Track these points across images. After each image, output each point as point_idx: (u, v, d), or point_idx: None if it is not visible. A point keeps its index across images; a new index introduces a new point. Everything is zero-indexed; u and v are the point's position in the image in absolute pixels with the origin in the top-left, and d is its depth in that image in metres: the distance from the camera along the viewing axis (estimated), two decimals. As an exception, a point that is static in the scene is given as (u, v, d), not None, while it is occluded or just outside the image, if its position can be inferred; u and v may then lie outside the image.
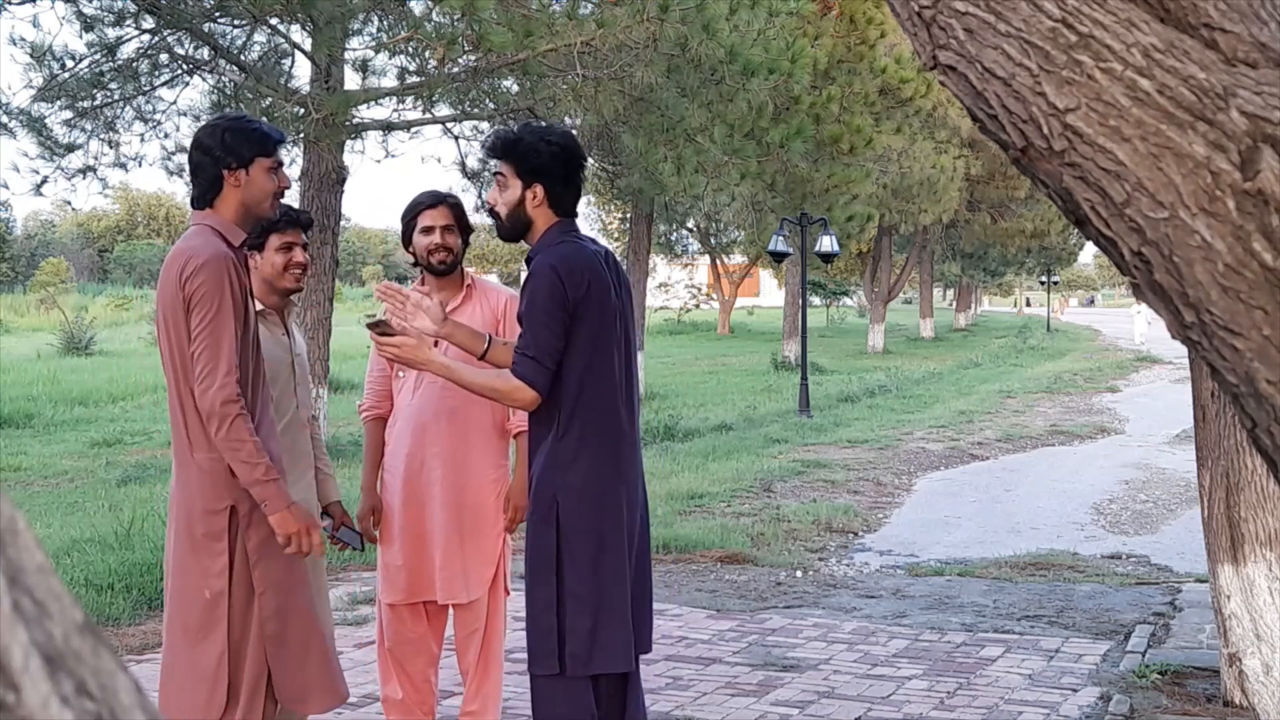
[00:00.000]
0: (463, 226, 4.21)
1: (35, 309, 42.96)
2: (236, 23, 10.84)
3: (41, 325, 35.24)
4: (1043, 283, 54.12)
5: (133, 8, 10.51)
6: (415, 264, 4.26)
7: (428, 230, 4.15)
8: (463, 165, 14.04)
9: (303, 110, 10.13)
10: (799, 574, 7.38)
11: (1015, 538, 8.64)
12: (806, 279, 19.45)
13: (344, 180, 11.07)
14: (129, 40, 10.94)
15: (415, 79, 10.73)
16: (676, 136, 12.07)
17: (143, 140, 11.82)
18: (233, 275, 3.19)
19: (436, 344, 3.72)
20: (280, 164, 3.38)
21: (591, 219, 45.32)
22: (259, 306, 3.84)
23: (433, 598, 4.17)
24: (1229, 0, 1.52)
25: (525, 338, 3.32)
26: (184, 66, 11.23)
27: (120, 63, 10.98)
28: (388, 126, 11.47)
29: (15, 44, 10.92)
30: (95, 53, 10.89)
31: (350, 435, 12.56)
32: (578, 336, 3.33)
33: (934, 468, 12.15)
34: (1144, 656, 5.46)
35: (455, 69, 10.63)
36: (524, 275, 3.47)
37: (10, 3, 10.62)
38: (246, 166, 3.28)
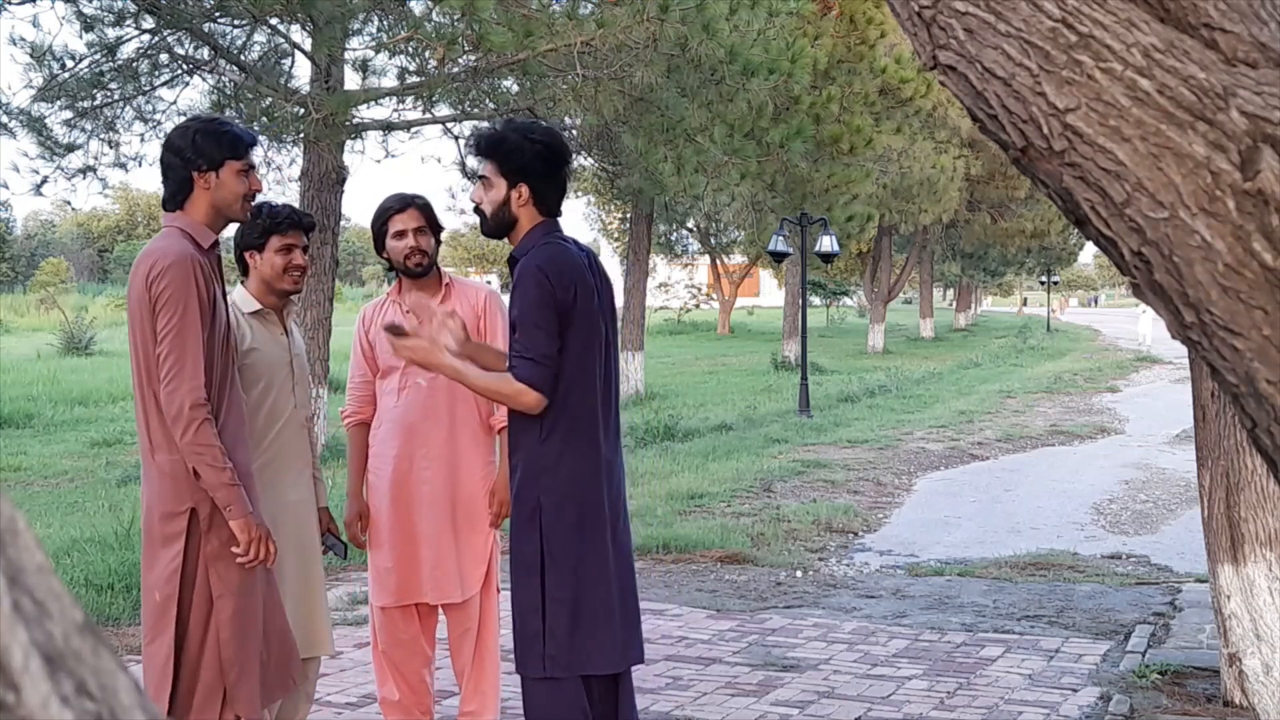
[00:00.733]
0: (433, 226, 4.19)
1: (35, 309, 42.97)
2: (236, 23, 10.84)
3: (41, 325, 35.25)
4: (1043, 283, 54.12)
5: (133, 8, 10.51)
6: (389, 268, 4.24)
7: (400, 234, 4.13)
8: (463, 165, 14.04)
9: (303, 110, 10.13)
10: (799, 574, 7.38)
11: (1015, 538, 8.64)
12: (806, 279, 19.45)
13: (344, 180, 11.07)
14: (129, 40, 10.94)
15: (415, 79, 10.73)
16: (676, 136, 12.07)
17: (143, 140, 11.81)
18: (200, 277, 3.17)
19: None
20: (252, 166, 3.35)
21: (591, 219, 45.34)
22: (257, 306, 3.84)
23: (423, 599, 4.17)
24: (1229, 0, 1.52)
25: (521, 341, 3.31)
26: (184, 66, 11.23)
27: (120, 63, 10.98)
28: (388, 126, 11.47)
29: (15, 44, 10.92)
30: (95, 53, 10.89)
31: (350, 435, 12.53)
32: (567, 337, 3.33)
33: (934, 468, 12.15)
34: (1144, 656, 5.46)
35: (455, 69, 10.63)
36: (511, 277, 3.47)
37: (10, 3, 10.62)
38: (217, 169, 3.26)
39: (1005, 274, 56.93)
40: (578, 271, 3.36)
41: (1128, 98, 1.49)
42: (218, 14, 10.41)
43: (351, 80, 11.13)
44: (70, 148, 11.40)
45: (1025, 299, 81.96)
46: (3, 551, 0.75)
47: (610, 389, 3.50)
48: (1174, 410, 15.57)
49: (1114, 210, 1.53)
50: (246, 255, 3.86)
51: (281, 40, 11.37)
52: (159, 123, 11.76)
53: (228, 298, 3.38)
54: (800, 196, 17.42)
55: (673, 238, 41.70)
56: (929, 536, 8.71)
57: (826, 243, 18.38)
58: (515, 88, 11.72)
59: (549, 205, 3.47)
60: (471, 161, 14.05)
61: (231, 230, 3.82)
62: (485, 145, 3.48)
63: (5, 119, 11.00)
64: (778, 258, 18.58)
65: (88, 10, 10.75)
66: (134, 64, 11.04)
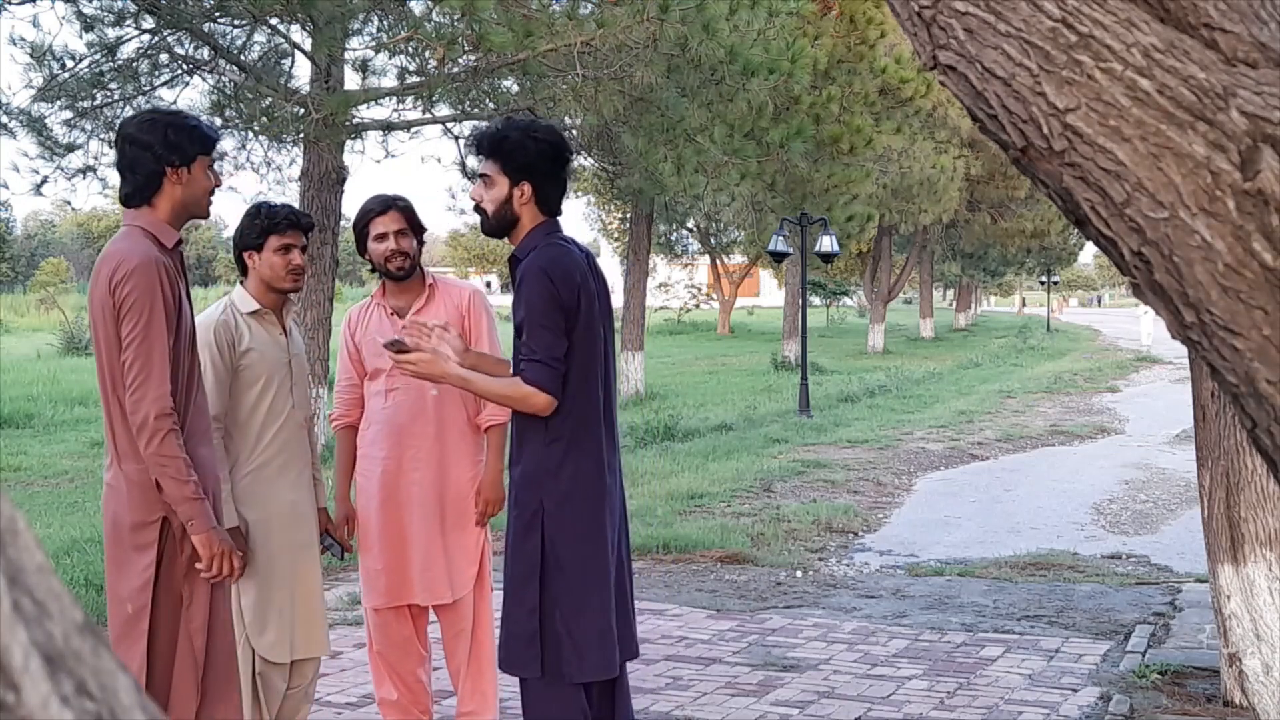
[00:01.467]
0: (415, 228, 4.18)
1: (35, 309, 42.96)
2: (236, 23, 10.84)
3: (41, 325, 35.25)
4: (1043, 283, 54.11)
5: (133, 8, 10.51)
6: (372, 270, 4.24)
7: (381, 237, 4.11)
8: (463, 165, 14.04)
9: (303, 110, 10.13)
10: (799, 574, 7.38)
11: (1015, 538, 8.63)
12: (806, 279, 19.45)
13: (344, 180, 11.06)
14: (129, 40, 10.94)
15: (415, 79, 10.72)
16: (676, 136, 12.07)
17: (143, 140, 11.78)
18: (165, 280, 3.10)
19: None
20: (214, 161, 3.32)
21: (591, 219, 45.35)
22: (256, 306, 3.83)
23: (414, 600, 4.17)
24: (1229, 0, 1.52)
25: (529, 343, 3.30)
26: (184, 66, 11.23)
27: (120, 63, 10.98)
28: (388, 126, 11.47)
29: (15, 44, 10.92)
30: (95, 53, 10.89)
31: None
32: (572, 339, 3.33)
33: (934, 468, 12.14)
34: (1144, 656, 5.46)
35: (455, 69, 10.63)
36: (512, 277, 3.47)
37: (10, 3, 10.62)
38: (189, 164, 3.20)
39: (1005, 274, 56.92)
40: (581, 274, 3.36)
41: (1128, 98, 1.49)
42: (218, 14, 10.41)
43: (351, 80, 11.14)
44: (70, 148, 11.40)
45: (1024, 299, 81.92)
46: (3, 551, 0.75)
47: (610, 392, 3.50)
48: (1174, 410, 15.57)
49: (1114, 210, 1.53)
50: (245, 255, 3.86)
51: (281, 40, 11.36)
52: (159, 123, 11.72)
53: (191, 296, 3.32)
54: (800, 196, 17.41)
55: (673, 238, 41.70)
56: (929, 536, 8.71)
57: (826, 243, 18.38)
58: (515, 88, 11.72)
59: (551, 204, 3.47)
60: (472, 161, 14.05)
61: (230, 230, 3.81)
62: (488, 144, 3.46)
63: (5, 119, 11.00)
64: (778, 258, 18.58)
65: (88, 10, 10.74)
66: (134, 64, 11.03)
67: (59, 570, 4.75)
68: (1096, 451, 13.43)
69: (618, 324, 15.70)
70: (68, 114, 11.25)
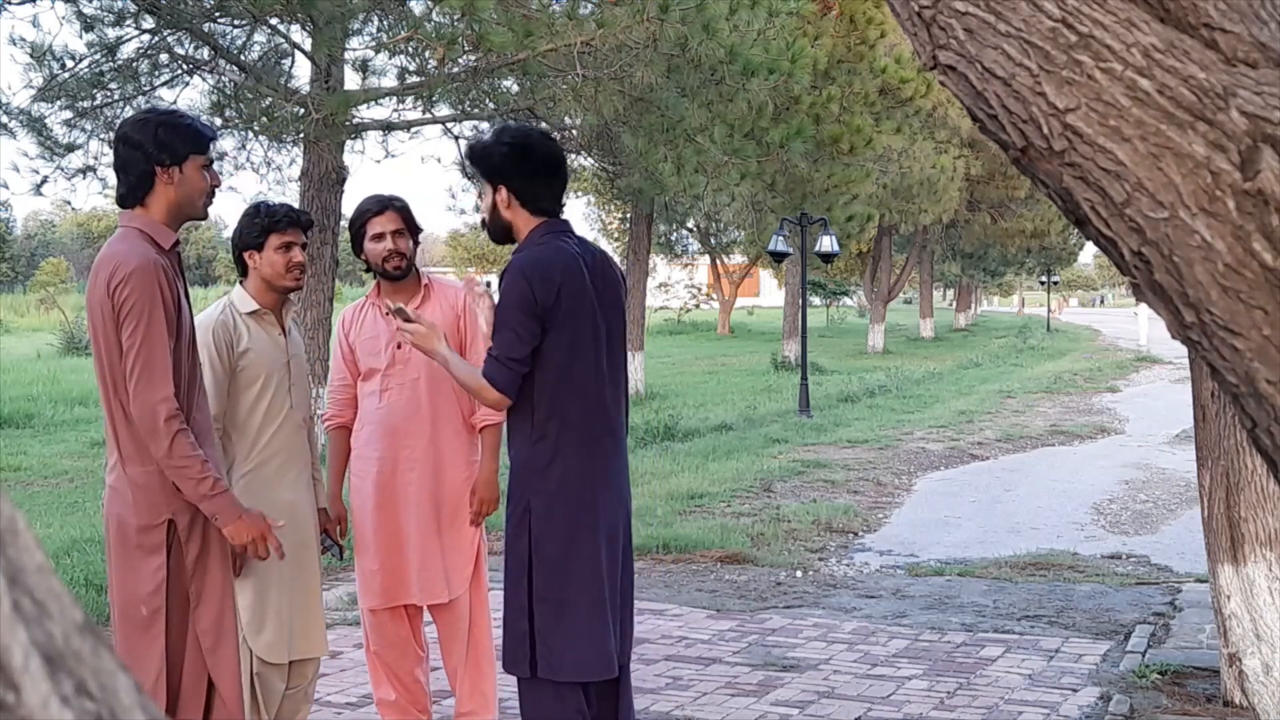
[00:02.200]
0: (411, 228, 4.19)
1: (35, 309, 42.94)
2: (236, 23, 10.83)
3: (41, 325, 35.23)
4: (1043, 283, 54.10)
5: (133, 8, 10.50)
6: (368, 270, 4.24)
7: (378, 237, 4.12)
8: (463, 165, 14.03)
9: (303, 110, 10.13)
10: (799, 574, 7.38)
11: (1015, 538, 8.63)
12: (806, 279, 19.44)
13: (344, 180, 11.06)
14: (129, 40, 10.93)
15: (415, 79, 10.72)
16: (676, 136, 12.06)
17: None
18: (163, 282, 3.09)
19: (400, 346, 4.01)
20: (211, 161, 3.30)
21: (591, 219, 45.35)
22: (255, 306, 3.83)
23: (411, 600, 4.17)
24: (1229, 0, 1.52)
25: (495, 339, 3.36)
26: (184, 66, 11.22)
27: (120, 63, 10.97)
28: (388, 126, 11.47)
29: (15, 44, 10.91)
30: (95, 53, 10.88)
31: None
32: (552, 339, 3.33)
33: (934, 468, 12.14)
34: (1144, 656, 5.46)
35: (455, 69, 10.63)
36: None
37: (10, 3, 10.62)
38: (180, 164, 3.18)
39: (1005, 274, 56.90)
40: (564, 271, 3.35)
41: (1128, 98, 1.49)
42: (218, 14, 10.40)
43: (351, 80, 11.13)
44: (70, 148, 11.40)
45: (1024, 299, 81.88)
46: (3, 551, 0.75)
47: (616, 387, 3.49)
48: (1174, 410, 15.57)
49: (1114, 210, 1.53)
50: (245, 255, 3.86)
51: (281, 40, 11.36)
52: (159, 123, 11.72)
53: (190, 297, 3.32)
54: (800, 196, 17.41)
55: (673, 238, 41.68)
56: (929, 536, 8.71)
57: (826, 243, 18.37)
58: (515, 88, 11.71)
59: (538, 205, 3.47)
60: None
61: (230, 230, 3.81)
62: (468, 154, 3.56)
63: (5, 119, 11.00)
64: (778, 258, 18.57)
65: (88, 10, 10.74)
66: (134, 64, 11.03)
67: (59, 570, 4.75)
68: (1096, 451, 13.43)
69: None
70: (68, 114, 11.24)
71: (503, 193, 3.44)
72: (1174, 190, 1.46)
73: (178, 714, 3.18)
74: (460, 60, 10.55)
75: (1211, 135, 1.45)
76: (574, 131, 13.47)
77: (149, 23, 10.57)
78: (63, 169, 11.52)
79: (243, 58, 11.21)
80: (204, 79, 11.40)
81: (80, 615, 0.78)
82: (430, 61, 10.52)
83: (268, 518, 3.71)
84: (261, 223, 3.82)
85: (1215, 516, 4.71)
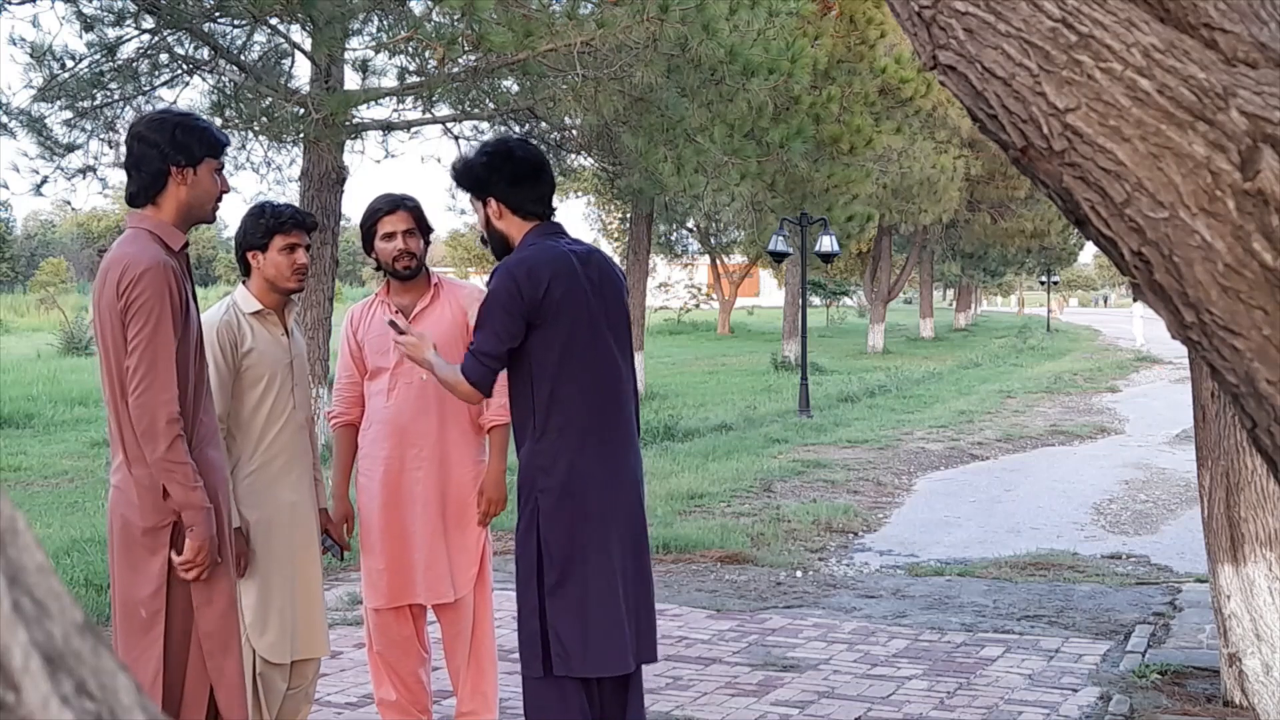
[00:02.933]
0: (423, 228, 4.20)
1: (35, 309, 42.93)
2: (236, 23, 10.84)
3: (41, 325, 35.23)
4: (1043, 283, 54.09)
5: (133, 8, 10.50)
6: (378, 268, 4.24)
7: (389, 236, 4.13)
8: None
9: (303, 110, 10.13)
10: (799, 574, 7.38)
11: (1015, 538, 8.63)
12: (806, 279, 19.44)
13: (344, 180, 11.06)
14: (129, 40, 10.93)
15: (415, 79, 10.72)
16: (676, 136, 12.06)
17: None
18: (173, 283, 3.09)
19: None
20: (223, 166, 3.31)
21: (591, 219, 45.35)
22: (258, 307, 3.83)
23: (416, 600, 4.17)
24: (1229, 0, 1.52)
25: (475, 335, 3.44)
26: (184, 66, 11.22)
27: (120, 63, 10.97)
28: (388, 126, 11.47)
29: (15, 44, 10.91)
30: (95, 53, 10.88)
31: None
32: (545, 336, 3.36)
33: (934, 468, 12.14)
34: (1144, 656, 5.46)
35: (455, 69, 10.63)
36: None
37: (10, 3, 10.62)
38: (195, 166, 3.18)
39: (1005, 274, 56.89)
40: (554, 270, 3.37)
41: (1128, 98, 1.49)
42: (218, 14, 10.41)
43: (351, 80, 11.13)
44: (70, 148, 11.40)
45: (1023, 299, 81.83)
46: (3, 551, 0.75)
47: (620, 382, 3.49)
48: (1174, 410, 15.57)
49: (1114, 210, 1.53)
50: (249, 255, 3.85)
51: (281, 40, 11.36)
52: (159, 123, 11.71)
53: (210, 299, 3.32)
54: (800, 196, 17.41)
55: (673, 238, 41.68)
56: (929, 536, 8.71)
57: (826, 243, 18.37)
58: (515, 88, 11.71)
59: (526, 210, 3.49)
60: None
61: (231, 231, 3.81)
62: (454, 178, 3.59)
63: (5, 119, 11.00)
64: (778, 258, 18.57)
65: (88, 10, 10.74)
66: (134, 64, 11.03)
67: (59, 570, 4.75)
68: (1096, 451, 13.43)
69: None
70: (68, 114, 11.24)
71: (492, 204, 3.48)
72: (1174, 190, 1.46)
73: (180, 716, 3.18)
74: (460, 60, 10.56)
75: (1211, 135, 1.45)
76: (574, 131, 13.48)
77: (149, 23, 10.58)
78: (63, 169, 11.52)
79: (243, 58, 11.21)
80: (204, 79, 11.40)
81: (80, 615, 0.78)
82: (430, 61, 10.52)
83: (267, 522, 3.71)
84: (266, 223, 3.82)
85: (1215, 516, 4.71)
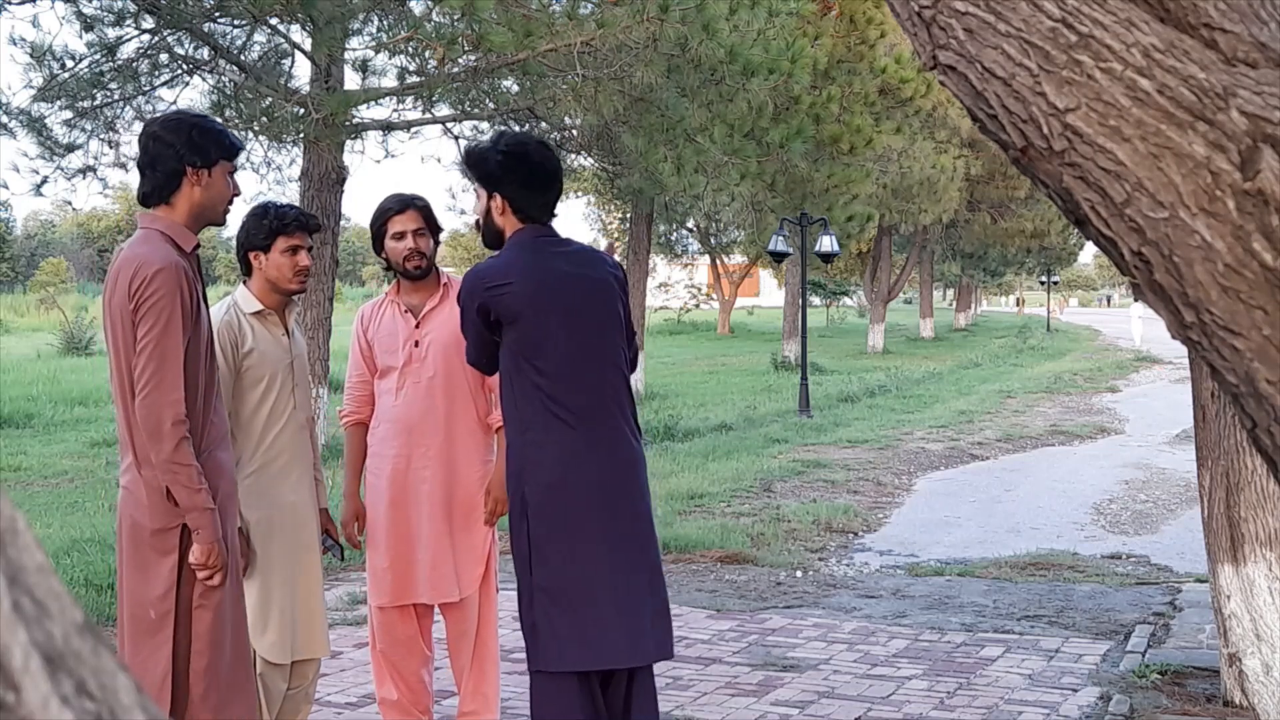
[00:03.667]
0: (433, 228, 4.21)
1: (35, 309, 42.93)
2: (236, 23, 10.84)
3: (41, 325, 35.22)
4: (1043, 283, 54.09)
5: (133, 8, 10.50)
6: (387, 269, 4.25)
7: (399, 236, 4.13)
8: (462, 166, 14.02)
9: (303, 110, 10.13)
10: (799, 574, 7.38)
11: (1015, 538, 8.63)
12: (806, 279, 19.45)
13: (344, 180, 11.07)
14: (129, 40, 10.93)
15: (415, 79, 10.72)
16: (676, 136, 12.06)
17: (142, 140, 11.76)
18: (185, 285, 3.10)
19: (418, 344, 4.14)
20: (236, 169, 3.31)
21: (591, 219, 45.36)
22: (259, 307, 3.83)
23: (420, 599, 4.17)
24: (1229, 0, 1.52)
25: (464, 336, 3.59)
26: (184, 66, 11.22)
27: (120, 63, 10.97)
28: (388, 126, 11.47)
29: (15, 44, 10.92)
30: (95, 53, 10.88)
31: (350, 435, 12.54)
32: (519, 336, 3.39)
33: (934, 468, 12.14)
34: (1144, 656, 5.46)
35: (455, 69, 10.63)
36: None
37: (10, 3, 10.62)
38: (210, 167, 3.20)
39: (1005, 274, 56.89)
40: (520, 271, 3.39)
41: (1128, 98, 1.49)
42: (218, 14, 10.41)
43: (351, 80, 11.14)
44: (70, 148, 11.40)
45: (1023, 299, 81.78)
46: (3, 551, 0.75)
47: (602, 377, 3.47)
48: (1174, 410, 15.57)
49: (1114, 210, 1.53)
50: (251, 255, 3.85)
51: (281, 40, 11.36)
52: (159, 123, 11.71)
53: (210, 300, 3.32)
54: (800, 196, 17.41)
55: (673, 238, 41.67)
56: (929, 536, 8.71)
57: (826, 243, 18.37)
58: (515, 88, 11.71)
59: (529, 212, 3.49)
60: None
61: (231, 231, 3.82)
62: (465, 159, 3.62)
63: (5, 119, 11.00)
64: (778, 258, 18.57)
65: (88, 10, 10.74)
66: (134, 64, 11.03)
67: (59, 570, 4.75)
68: (1096, 451, 13.43)
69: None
70: (68, 114, 11.24)
71: (497, 200, 3.48)
72: (1174, 190, 1.46)
73: (186, 717, 3.18)
74: (460, 60, 10.56)
75: (1211, 135, 1.45)
76: (574, 131, 13.47)
77: (149, 23, 10.58)
78: (63, 169, 11.52)
79: (243, 58, 11.21)
80: (204, 79, 11.40)
81: (80, 615, 0.78)
82: (430, 61, 10.52)
83: (268, 522, 3.72)
84: (270, 224, 3.81)
85: (1215, 516, 4.71)
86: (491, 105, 11.64)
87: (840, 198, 17.82)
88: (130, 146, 11.74)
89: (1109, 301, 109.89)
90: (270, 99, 10.53)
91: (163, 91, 11.60)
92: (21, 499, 10.09)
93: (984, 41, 1.59)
